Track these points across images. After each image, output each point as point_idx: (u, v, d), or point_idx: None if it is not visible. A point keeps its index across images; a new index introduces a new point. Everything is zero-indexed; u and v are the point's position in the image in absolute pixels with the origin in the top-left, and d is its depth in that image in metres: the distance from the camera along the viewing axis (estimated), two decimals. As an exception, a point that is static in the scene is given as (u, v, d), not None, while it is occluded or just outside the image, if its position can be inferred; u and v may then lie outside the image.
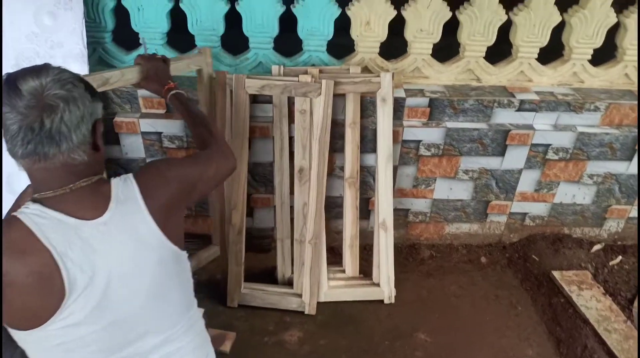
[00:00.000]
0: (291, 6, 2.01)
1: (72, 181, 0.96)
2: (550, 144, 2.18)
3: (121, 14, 2.06)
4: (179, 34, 2.10)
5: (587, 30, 2.06)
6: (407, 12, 2.02)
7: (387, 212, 2.08)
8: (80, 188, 0.97)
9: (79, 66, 1.89)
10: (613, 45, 2.16)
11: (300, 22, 2.03)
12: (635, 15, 2.05)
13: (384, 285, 2.14)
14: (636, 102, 2.14)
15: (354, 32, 2.06)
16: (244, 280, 2.18)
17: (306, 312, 2.07)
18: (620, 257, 2.40)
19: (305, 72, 1.95)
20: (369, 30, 2.05)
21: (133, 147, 2.14)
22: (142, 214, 1.03)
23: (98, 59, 2.12)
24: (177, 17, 2.05)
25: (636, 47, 2.11)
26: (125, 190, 1.04)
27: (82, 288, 0.95)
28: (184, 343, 1.19)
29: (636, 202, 2.36)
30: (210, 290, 2.18)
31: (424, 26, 2.04)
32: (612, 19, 2.04)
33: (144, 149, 2.15)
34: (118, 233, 1.00)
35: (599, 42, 2.10)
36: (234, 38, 2.11)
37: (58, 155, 0.92)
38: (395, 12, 2.02)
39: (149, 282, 1.06)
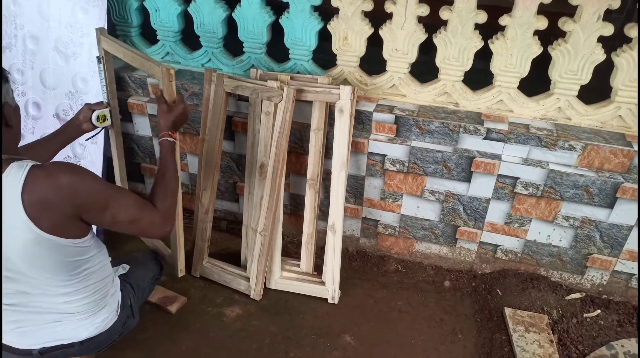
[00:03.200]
0: (280, 17, 2.22)
1: None
2: (519, 178, 2.11)
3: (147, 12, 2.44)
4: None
5: (571, 65, 1.98)
6: (383, 31, 2.12)
7: (336, 216, 2.19)
8: None
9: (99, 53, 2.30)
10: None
11: (286, 32, 2.23)
12: (628, 55, 1.92)
13: (329, 285, 2.26)
14: (622, 147, 1.99)
15: (334, 46, 2.21)
16: (214, 257, 2.45)
17: (251, 296, 2.27)
18: (598, 311, 2.23)
19: (277, 79, 2.14)
20: (347, 45, 2.18)
21: (142, 126, 2.52)
22: (15, 201, 1.21)
23: (126, 49, 2.53)
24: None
25: (630, 88, 1.97)
26: (13, 176, 1.22)
27: None
28: (75, 296, 1.45)
29: (621, 255, 2.18)
30: (186, 258, 2.47)
31: (399, 46, 2.12)
32: (599, 56, 1.93)
33: (150, 129, 2.51)
34: None
35: (585, 78, 1.99)
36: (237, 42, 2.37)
37: None
38: (371, 31, 2.13)
39: (17, 253, 1.27)
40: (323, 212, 2.40)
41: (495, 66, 2.07)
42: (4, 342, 1.47)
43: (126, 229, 1.43)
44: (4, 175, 1.22)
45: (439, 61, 2.12)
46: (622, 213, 2.07)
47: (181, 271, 2.13)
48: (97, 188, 1.32)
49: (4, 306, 1.40)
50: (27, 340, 1.46)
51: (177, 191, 1.61)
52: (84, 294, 1.47)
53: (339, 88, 2.06)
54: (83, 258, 1.42)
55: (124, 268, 1.78)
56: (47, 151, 1.77)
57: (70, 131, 1.88)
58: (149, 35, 2.51)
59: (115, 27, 2.47)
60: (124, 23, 2.44)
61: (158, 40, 2.46)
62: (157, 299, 2.22)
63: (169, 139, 1.68)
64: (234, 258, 2.47)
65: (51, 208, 1.24)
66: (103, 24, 2.25)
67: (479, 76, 2.18)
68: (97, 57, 2.12)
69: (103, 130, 2.19)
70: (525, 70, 2.04)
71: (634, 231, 2.10)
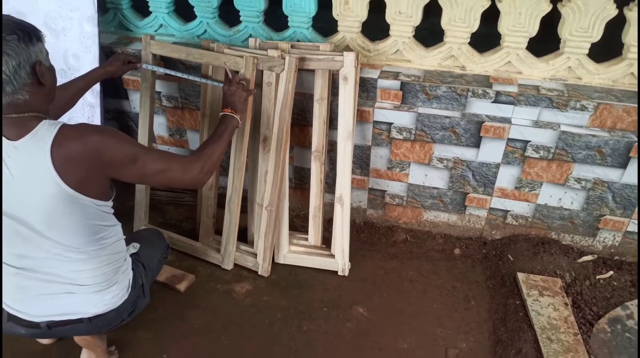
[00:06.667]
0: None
1: (13, 112, 1.27)
2: (529, 141, 2.07)
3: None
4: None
5: (581, 22, 1.91)
6: (385, -6, 2.04)
7: (344, 188, 2.15)
8: (16, 117, 1.27)
9: (90, 27, 2.21)
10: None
11: (284, -1, 2.14)
12: None
13: (339, 257, 2.23)
14: (635, 105, 1.94)
15: (335, 11, 2.12)
16: (220, 234, 2.40)
17: (259, 273, 2.24)
18: (611, 272, 2.21)
19: (277, 47, 2.06)
20: (348, 10, 2.10)
21: (139, 103, 2.44)
22: (44, 154, 1.25)
23: (118, 23, 2.44)
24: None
25: (642, 44, 1.91)
26: (44, 132, 1.27)
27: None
28: (87, 266, 1.43)
29: (635, 216, 2.15)
30: (190, 237, 2.43)
31: (403, 9, 2.04)
32: (611, 11, 1.87)
33: (147, 105, 2.43)
34: (22, 159, 1.26)
35: (596, 35, 1.93)
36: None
37: (6, 96, 1.23)
38: (373, -7, 2.05)
39: (38, 207, 1.30)
40: (329, 184, 2.35)
41: (503, 26, 2.00)
42: (10, 311, 1.46)
43: (157, 180, 1.47)
44: (34, 131, 1.26)
45: (444, 22, 2.04)
46: (636, 173, 2.03)
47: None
48: (125, 147, 1.37)
49: (13, 270, 1.39)
50: (34, 310, 1.44)
51: (217, 153, 1.63)
52: (96, 265, 1.45)
53: (342, 55, 1.99)
54: (102, 224, 1.43)
55: (134, 248, 1.74)
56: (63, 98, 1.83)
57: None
58: (141, 8, 2.41)
59: (105, 0, 2.37)
60: (115, -5, 2.34)
61: (150, 12, 2.36)
62: (165, 278, 2.19)
63: (231, 114, 1.76)
64: (241, 234, 2.42)
65: (79, 164, 1.28)
66: (93, -4, 2.16)
67: (483, 40, 2.11)
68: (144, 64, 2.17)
69: None
70: (534, 29, 1.97)
71: (647, 191, 2.07)
